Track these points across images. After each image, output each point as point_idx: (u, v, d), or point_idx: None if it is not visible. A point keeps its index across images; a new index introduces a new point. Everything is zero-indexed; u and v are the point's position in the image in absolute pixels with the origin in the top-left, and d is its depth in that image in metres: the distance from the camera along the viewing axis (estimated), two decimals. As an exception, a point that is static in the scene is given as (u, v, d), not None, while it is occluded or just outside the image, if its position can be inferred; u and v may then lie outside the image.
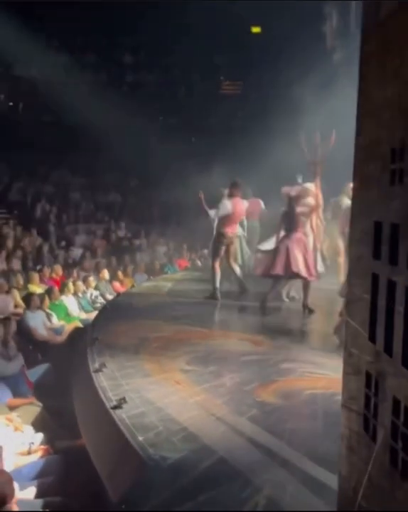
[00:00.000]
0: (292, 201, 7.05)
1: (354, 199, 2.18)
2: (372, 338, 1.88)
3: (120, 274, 10.67)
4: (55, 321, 7.95)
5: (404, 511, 1.65)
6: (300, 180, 8.01)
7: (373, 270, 1.90)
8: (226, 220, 7.75)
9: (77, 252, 12.07)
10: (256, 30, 18.52)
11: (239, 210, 7.81)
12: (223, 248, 7.82)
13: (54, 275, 9.81)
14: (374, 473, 1.83)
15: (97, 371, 4.65)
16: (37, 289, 8.74)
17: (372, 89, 2.02)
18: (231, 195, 7.82)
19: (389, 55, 1.85)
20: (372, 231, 1.92)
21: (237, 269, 8.08)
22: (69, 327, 7.78)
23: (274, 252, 6.96)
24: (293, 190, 7.39)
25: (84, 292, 9.24)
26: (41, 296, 7.89)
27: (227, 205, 7.72)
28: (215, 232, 8.08)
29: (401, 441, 1.66)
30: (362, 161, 2.05)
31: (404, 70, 1.77)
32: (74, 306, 8.72)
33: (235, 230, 7.92)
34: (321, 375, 4.65)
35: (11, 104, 16.52)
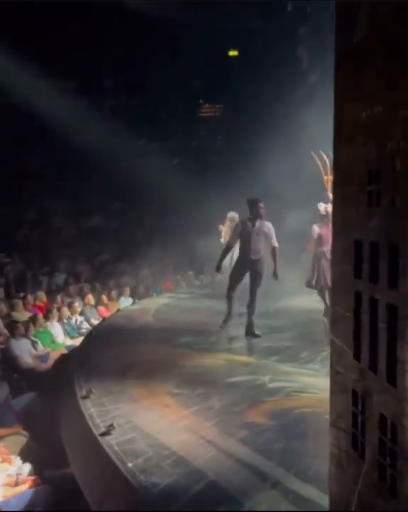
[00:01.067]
0: (325, 218, 7.30)
1: (334, 218, 2.22)
2: (357, 355, 1.90)
3: (105, 298, 10.61)
4: (40, 348, 7.86)
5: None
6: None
7: (355, 288, 1.93)
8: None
9: (60, 277, 11.99)
10: (233, 53, 18.87)
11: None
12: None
13: (38, 302, 9.73)
14: (364, 491, 1.83)
15: (84, 398, 4.61)
16: (21, 316, 8.65)
17: (347, 111, 2.08)
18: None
19: (362, 80, 1.91)
20: (353, 250, 1.95)
21: None
22: (54, 354, 7.69)
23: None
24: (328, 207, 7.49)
25: (69, 318, 9.16)
26: (25, 324, 7.81)
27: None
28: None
29: (389, 458, 1.67)
30: (341, 182, 2.10)
31: (377, 94, 1.83)
32: (60, 332, 8.64)
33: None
34: (309, 394, 4.65)
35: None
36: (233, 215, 9.36)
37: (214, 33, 15.63)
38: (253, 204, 7.23)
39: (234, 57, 18.81)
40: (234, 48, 18.64)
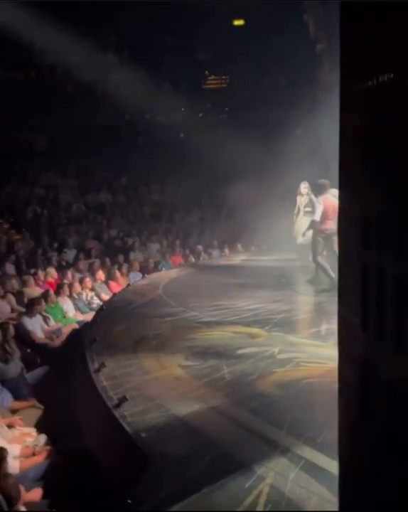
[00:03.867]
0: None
1: (341, 191, 2.21)
2: (365, 325, 1.93)
3: (115, 273, 10.68)
4: (52, 323, 7.97)
5: (403, 493, 1.70)
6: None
7: (363, 259, 1.94)
8: (323, 217, 7.88)
9: (70, 253, 12.06)
10: (238, 23, 18.49)
11: (329, 206, 7.81)
12: (322, 243, 7.94)
13: (49, 278, 9.81)
14: (373, 456, 1.87)
15: (96, 371, 4.68)
16: (33, 292, 8.75)
17: (352, 83, 2.05)
18: (320, 194, 8.01)
19: (368, 50, 1.88)
20: (361, 221, 1.95)
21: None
22: (66, 329, 7.79)
23: None
24: None
25: (79, 294, 9.25)
26: (37, 300, 7.90)
27: (319, 203, 7.96)
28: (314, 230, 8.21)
29: (397, 425, 1.70)
30: (346, 155, 2.08)
31: (382, 65, 1.81)
32: (71, 308, 8.73)
33: (330, 226, 7.84)
34: (318, 364, 4.70)
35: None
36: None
37: (218, 2, 15.32)
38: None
39: (239, 26, 18.44)
40: (239, 18, 18.27)
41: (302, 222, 9.61)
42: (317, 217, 7.92)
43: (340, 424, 2.16)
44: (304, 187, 9.84)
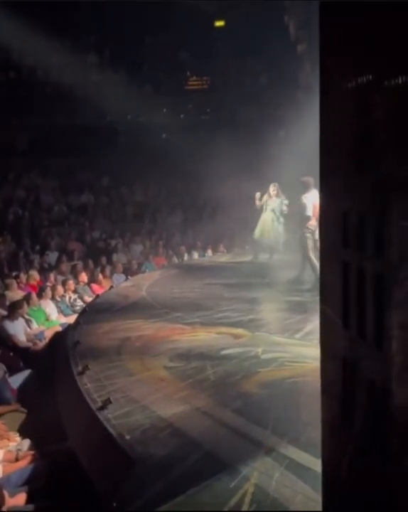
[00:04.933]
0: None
1: (321, 190, 2.23)
2: (346, 323, 1.94)
3: (98, 275, 10.63)
4: (35, 326, 7.90)
5: (385, 491, 1.71)
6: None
7: (343, 258, 1.96)
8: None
9: (52, 256, 11.97)
10: (219, 23, 18.52)
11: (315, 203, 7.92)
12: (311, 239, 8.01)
13: (31, 281, 9.72)
14: (356, 454, 1.89)
15: (80, 374, 4.66)
16: (15, 295, 8.66)
17: (332, 81, 2.06)
18: (306, 191, 8.12)
19: (347, 50, 1.89)
20: (340, 219, 1.97)
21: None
22: (49, 332, 7.73)
23: None
24: None
25: (62, 296, 9.18)
26: (19, 303, 7.83)
27: (307, 200, 8.05)
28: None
29: (379, 422, 1.72)
30: (327, 153, 2.10)
31: (362, 62, 1.83)
32: (54, 310, 8.67)
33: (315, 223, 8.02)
34: (302, 363, 4.73)
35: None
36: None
37: (199, 3, 15.34)
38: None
39: (220, 27, 18.47)
40: (220, 19, 18.29)
41: (265, 220, 10.18)
42: (309, 212, 7.99)
43: (324, 423, 2.18)
44: (273, 189, 10.13)
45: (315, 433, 2.96)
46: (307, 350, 4.96)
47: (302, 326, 5.96)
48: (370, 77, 1.79)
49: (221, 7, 16.10)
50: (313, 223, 7.85)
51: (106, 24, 15.88)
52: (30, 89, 15.96)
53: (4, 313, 7.94)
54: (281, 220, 10.24)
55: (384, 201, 1.67)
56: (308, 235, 8.04)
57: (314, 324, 5.35)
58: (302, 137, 8.25)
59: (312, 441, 3.04)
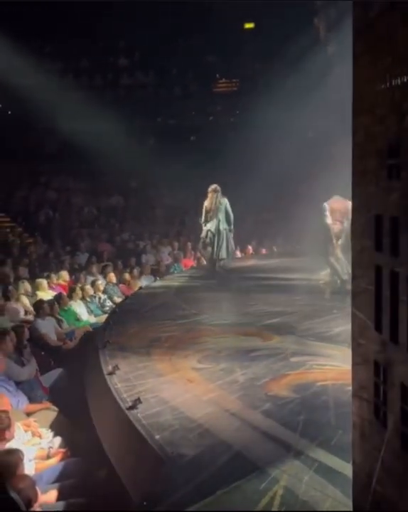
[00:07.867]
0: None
1: (354, 194, 2.23)
2: (379, 328, 1.94)
3: (127, 276, 10.73)
4: (66, 326, 8.02)
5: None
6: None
7: (376, 262, 1.96)
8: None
9: (82, 256, 12.14)
10: (249, 26, 18.53)
11: (336, 207, 8.10)
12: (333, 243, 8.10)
13: (61, 281, 9.88)
14: (387, 459, 1.88)
15: (110, 373, 4.71)
16: (46, 295, 8.82)
17: (366, 83, 2.07)
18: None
19: (381, 53, 1.90)
20: (373, 224, 1.97)
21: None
22: (79, 332, 7.84)
23: None
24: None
25: (92, 296, 9.30)
26: (50, 303, 7.96)
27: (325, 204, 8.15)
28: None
29: (411, 426, 1.71)
30: (360, 157, 2.10)
31: (397, 66, 1.83)
32: (84, 310, 8.79)
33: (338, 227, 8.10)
34: (331, 366, 4.70)
35: (9, 112, 16.59)
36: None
37: (228, 5, 15.36)
38: None
39: (249, 29, 18.47)
40: (249, 21, 18.30)
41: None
42: (328, 220, 8.02)
43: (354, 427, 2.18)
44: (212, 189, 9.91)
45: (345, 437, 2.96)
46: (337, 353, 4.94)
47: (331, 329, 5.92)
48: (404, 81, 1.79)
49: (251, 9, 16.07)
50: (337, 227, 7.87)
51: (136, 28, 16.03)
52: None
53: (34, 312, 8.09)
54: None
55: (418, 206, 1.67)
56: (330, 238, 8.02)
57: (344, 327, 5.31)
58: (332, 139, 8.20)
59: (342, 445, 3.03)
